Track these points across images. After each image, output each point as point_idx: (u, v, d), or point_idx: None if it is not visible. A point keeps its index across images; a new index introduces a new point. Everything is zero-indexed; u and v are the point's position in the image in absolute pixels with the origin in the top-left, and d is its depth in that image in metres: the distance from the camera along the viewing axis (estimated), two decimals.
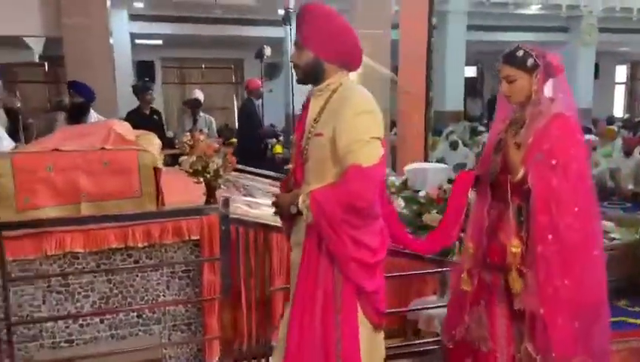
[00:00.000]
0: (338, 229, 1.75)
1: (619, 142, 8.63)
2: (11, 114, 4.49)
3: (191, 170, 2.69)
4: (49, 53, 6.73)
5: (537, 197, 1.86)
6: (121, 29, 9.09)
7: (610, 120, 11.87)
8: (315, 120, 1.84)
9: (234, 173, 4.09)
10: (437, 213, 3.48)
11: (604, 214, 4.94)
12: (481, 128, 10.52)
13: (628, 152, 7.94)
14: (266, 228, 2.72)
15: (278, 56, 10.09)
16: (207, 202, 2.73)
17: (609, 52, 14.48)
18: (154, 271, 2.72)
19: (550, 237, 1.85)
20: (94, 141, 2.76)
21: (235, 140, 7.76)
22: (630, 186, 7.66)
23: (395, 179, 4.49)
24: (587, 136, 7.62)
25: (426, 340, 2.98)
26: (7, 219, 2.48)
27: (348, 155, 1.74)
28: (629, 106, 17.53)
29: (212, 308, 2.77)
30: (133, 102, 6.22)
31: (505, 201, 1.97)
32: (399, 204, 3.81)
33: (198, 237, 2.72)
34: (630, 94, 17.89)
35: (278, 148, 7.42)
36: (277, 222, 2.30)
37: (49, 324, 2.61)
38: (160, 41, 11.19)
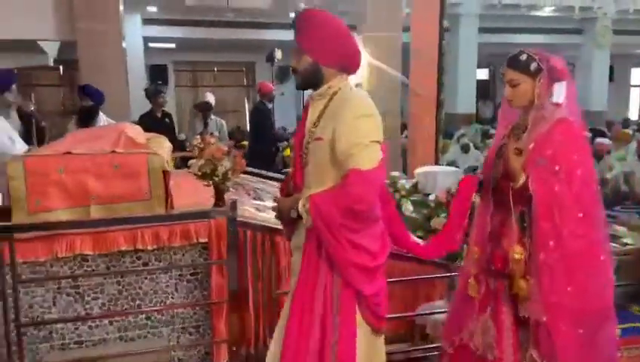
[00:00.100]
0: (337, 233, 1.75)
1: (633, 145, 8.49)
2: (24, 117, 4.55)
3: (199, 173, 2.71)
4: (64, 56, 6.81)
5: (539, 203, 1.84)
6: (135, 33, 9.20)
7: (626, 123, 11.71)
8: (314, 124, 1.85)
9: (244, 176, 4.12)
10: (445, 216, 3.46)
11: (618, 218, 4.90)
12: (493, 131, 10.40)
13: None
14: (273, 231, 2.73)
15: (289, 60, 10.09)
16: (216, 205, 2.75)
17: (624, 54, 14.32)
18: (163, 273, 2.74)
19: (552, 243, 1.82)
20: (105, 144, 2.79)
21: (246, 143, 7.80)
22: None
23: (405, 182, 4.46)
24: (601, 140, 7.54)
25: (433, 345, 2.96)
26: (19, 221, 2.52)
27: (347, 159, 1.74)
28: None
29: (220, 310, 2.78)
30: (146, 106, 6.28)
31: (507, 207, 1.95)
32: (408, 208, 3.79)
33: (206, 240, 2.74)
34: None
35: (289, 152, 7.45)
36: None
37: (59, 325, 2.64)
38: (173, 45, 11.29)
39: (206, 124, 6.69)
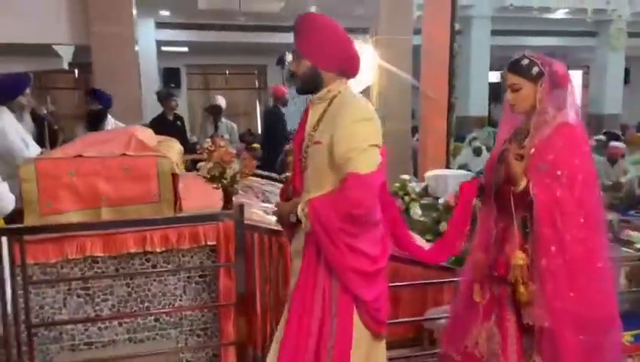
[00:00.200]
0: (335, 237, 1.75)
1: None
2: (38, 120, 4.61)
3: (208, 176, 2.72)
4: (78, 60, 6.90)
5: (541, 209, 1.82)
6: (148, 36, 9.30)
7: None
8: (313, 128, 1.85)
9: (254, 179, 4.14)
10: None
11: (632, 223, 4.82)
12: None
13: None
14: (280, 234, 2.73)
15: None
16: (225, 208, 2.76)
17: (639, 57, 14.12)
18: (171, 275, 2.76)
19: (554, 249, 1.80)
20: (116, 147, 2.82)
21: (257, 145, 7.83)
22: None
23: (415, 186, 4.45)
24: (615, 143, 7.44)
25: None
26: (31, 223, 2.55)
27: (346, 163, 1.73)
28: None
29: (228, 313, 2.79)
30: (159, 108, 6.34)
31: (509, 212, 1.94)
32: (417, 211, 3.78)
33: (214, 243, 2.76)
34: None
35: None
36: None
37: (69, 326, 2.67)
38: (185, 48, 11.37)
39: (217, 127, 6.74)
